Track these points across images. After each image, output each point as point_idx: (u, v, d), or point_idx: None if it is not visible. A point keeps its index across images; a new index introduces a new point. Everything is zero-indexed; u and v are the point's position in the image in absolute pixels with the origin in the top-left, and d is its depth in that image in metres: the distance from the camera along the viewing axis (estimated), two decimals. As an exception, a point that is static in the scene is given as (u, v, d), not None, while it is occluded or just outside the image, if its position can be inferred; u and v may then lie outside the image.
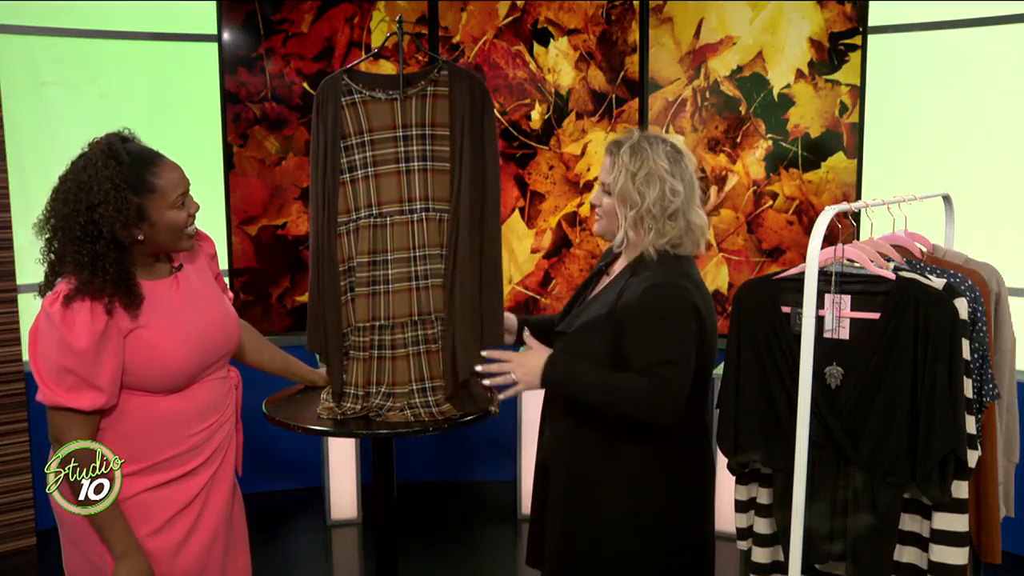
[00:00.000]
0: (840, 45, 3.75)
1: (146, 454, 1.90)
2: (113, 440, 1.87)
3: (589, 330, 2.02)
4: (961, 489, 1.85)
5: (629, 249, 2.07)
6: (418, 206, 2.31)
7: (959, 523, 1.85)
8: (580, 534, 2.02)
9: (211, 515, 2.00)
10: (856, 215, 3.25)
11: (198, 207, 1.98)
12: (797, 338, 1.89)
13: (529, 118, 4.06)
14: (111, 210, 1.80)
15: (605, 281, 2.14)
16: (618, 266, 2.12)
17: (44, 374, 1.82)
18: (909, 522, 1.92)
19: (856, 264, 1.97)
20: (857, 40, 3.73)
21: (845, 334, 1.94)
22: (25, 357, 3.68)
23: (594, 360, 1.99)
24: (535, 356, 2.01)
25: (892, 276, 1.91)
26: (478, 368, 2.15)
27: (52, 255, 1.87)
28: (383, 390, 2.32)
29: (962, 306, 1.85)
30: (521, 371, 2.01)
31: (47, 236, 1.86)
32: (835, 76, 3.77)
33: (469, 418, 2.29)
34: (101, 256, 1.81)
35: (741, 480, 2.12)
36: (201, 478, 1.98)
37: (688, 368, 1.93)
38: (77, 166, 1.85)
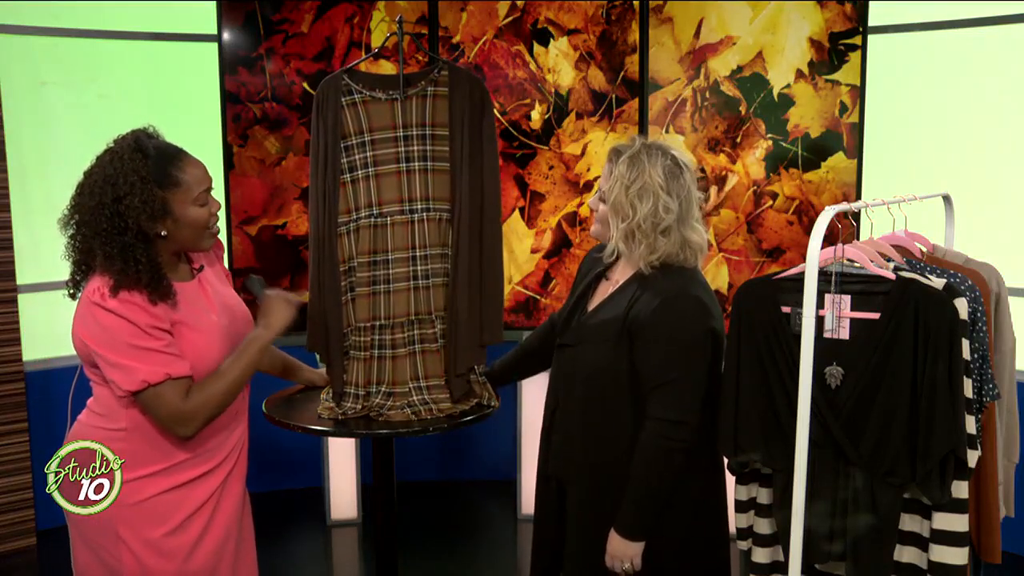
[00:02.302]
0: (840, 45, 3.75)
1: (167, 455, 1.91)
2: (137, 441, 1.87)
3: (596, 342, 2.01)
4: (961, 489, 1.85)
5: (628, 256, 2.06)
6: (419, 206, 2.31)
7: (959, 523, 1.85)
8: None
9: (224, 514, 2.01)
10: (856, 215, 3.25)
11: (219, 205, 1.99)
12: (797, 338, 1.89)
13: (529, 118, 4.06)
14: (137, 201, 1.80)
15: (606, 288, 2.11)
16: (620, 274, 2.08)
17: (128, 361, 1.80)
18: (909, 522, 1.92)
19: (856, 264, 1.96)
20: (857, 40, 3.73)
21: (845, 334, 1.94)
22: (27, 357, 3.67)
23: (601, 371, 1.98)
24: (615, 542, 1.98)
25: (892, 276, 1.91)
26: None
27: (77, 252, 1.86)
28: (383, 389, 2.32)
29: (962, 306, 1.85)
30: (621, 553, 1.98)
31: (71, 232, 1.85)
32: (835, 76, 3.77)
33: (469, 418, 2.29)
34: (130, 247, 1.81)
35: (741, 480, 2.12)
36: (217, 478, 1.98)
37: (699, 384, 1.95)
38: (103, 160, 1.85)
